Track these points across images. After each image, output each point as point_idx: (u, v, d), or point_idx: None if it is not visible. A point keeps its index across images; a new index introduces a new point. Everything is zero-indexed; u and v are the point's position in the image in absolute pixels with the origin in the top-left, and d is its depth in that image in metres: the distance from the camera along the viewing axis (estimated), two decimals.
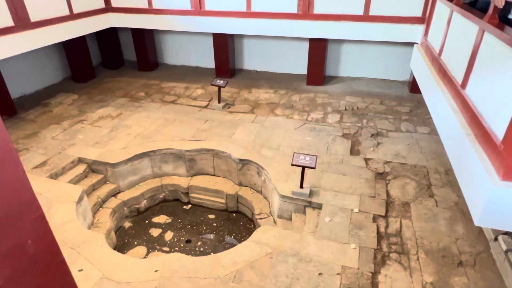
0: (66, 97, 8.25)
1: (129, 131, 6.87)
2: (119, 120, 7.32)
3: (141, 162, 6.17)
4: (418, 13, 6.58)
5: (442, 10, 4.69)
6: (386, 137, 6.65)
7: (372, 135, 6.69)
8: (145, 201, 6.20)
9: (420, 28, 6.45)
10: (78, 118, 7.37)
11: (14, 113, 7.52)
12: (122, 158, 5.92)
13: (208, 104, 8.01)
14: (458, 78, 3.39)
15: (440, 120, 3.80)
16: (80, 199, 5.04)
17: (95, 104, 8.01)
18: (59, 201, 4.94)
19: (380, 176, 5.52)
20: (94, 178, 5.94)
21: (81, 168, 5.91)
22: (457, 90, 3.34)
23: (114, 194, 6.02)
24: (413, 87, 8.02)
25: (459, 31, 3.72)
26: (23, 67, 8.32)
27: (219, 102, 7.85)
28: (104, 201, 5.83)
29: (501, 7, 2.52)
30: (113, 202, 5.87)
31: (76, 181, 5.75)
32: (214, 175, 6.46)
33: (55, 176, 5.63)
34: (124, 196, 6.00)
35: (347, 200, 4.95)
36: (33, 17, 6.47)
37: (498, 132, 2.40)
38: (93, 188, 5.86)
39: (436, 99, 3.90)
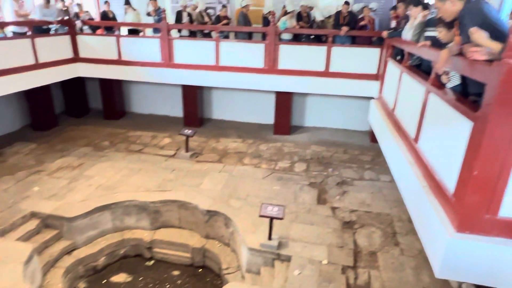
0: (23, 146, 7.84)
1: (90, 182, 6.55)
2: (80, 170, 6.99)
3: (101, 215, 5.82)
4: (374, 71, 7.20)
5: (393, 70, 5.17)
6: (351, 185, 6.83)
7: (337, 184, 6.85)
8: (103, 258, 5.75)
9: (376, 84, 7.01)
10: (35, 169, 6.96)
11: None
12: (81, 212, 5.56)
13: (175, 154, 7.92)
14: (411, 132, 3.66)
15: (397, 171, 4.00)
16: (29, 259, 4.58)
17: (55, 154, 7.65)
18: (4, 262, 4.45)
19: (347, 225, 5.58)
20: (47, 234, 5.48)
21: (33, 224, 5.45)
22: (411, 144, 3.59)
23: (69, 251, 5.55)
24: (373, 137, 8.45)
25: (409, 90, 4.09)
26: None
27: (186, 151, 7.80)
28: (57, 259, 5.34)
29: (440, 73, 2.84)
30: (67, 261, 5.39)
31: (27, 238, 5.26)
32: (180, 228, 6.19)
33: (2, 232, 5.13)
34: (80, 254, 5.54)
35: (315, 251, 4.90)
36: None
37: (450, 185, 2.56)
38: (46, 245, 5.38)
39: (393, 151, 4.15)
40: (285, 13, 7.87)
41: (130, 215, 6.05)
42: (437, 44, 3.71)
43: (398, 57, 5.48)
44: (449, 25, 2.89)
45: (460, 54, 2.72)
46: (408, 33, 4.51)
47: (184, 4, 8.42)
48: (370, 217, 5.78)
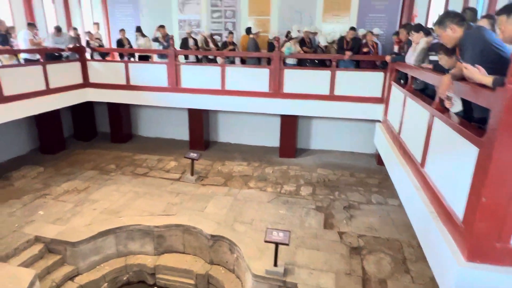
0: (31, 170, 7.92)
1: (95, 206, 6.54)
2: (85, 194, 7.01)
3: (105, 240, 5.77)
4: (378, 94, 7.23)
5: (397, 93, 5.19)
6: (358, 209, 6.71)
7: (344, 207, 6.74)
8: (106, 284, 5.65)
9: (381, 107, 7.02)
10: (41, 192, 6.99)
11: None
12: (84, 236, 5.52)
13: (180, 177, 7.92)
14: (417, 157, 3.62)
15: (405, 196, 3.93)
16: (31, 285, 4.50)
17: (61, 177, 7.70)
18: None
19: (355, 250, 5.43)
20: (50, 260, 5.43)
21: (36, 248, 5.42)
22: (417, 168, 3.54)
23: (72, 277, 5.47)
24: (380, 159, 8.37)
25: (413, 114, 4.08)
26: None
27: (192, 174, 7.80)
28: (59, 286, 5.25)
29: (443, 98, 2.84)
30: (70, 287, 5.30)
31: (30, 263, 5.22)
32: (184, 253, 6.09)
33: (5, 258, 5.10)
34: (82, 279, 5.46)
35: (322, 278, 4.75)
36: (7, 92, 6.50)
37: (458, 212, 2.49)
38: (48, 271, 5.32)
39: (399, 175, 4.09)
40: (289, 38, 8.05)
41: (134, 239, 5.98)
42: (439, 68, 3.73)
43: (402, 81, 5.52)
44: (450, 51, 2.92)
45: (463, 79, 2.73)
46: (411, 57, 4.57)
47: (189, 31, 8.68)
48: (379, 242, 5.63)
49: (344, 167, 8.71)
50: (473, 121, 2.73)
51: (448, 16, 2.72)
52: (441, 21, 2.76)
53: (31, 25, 7.62)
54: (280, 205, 6.77)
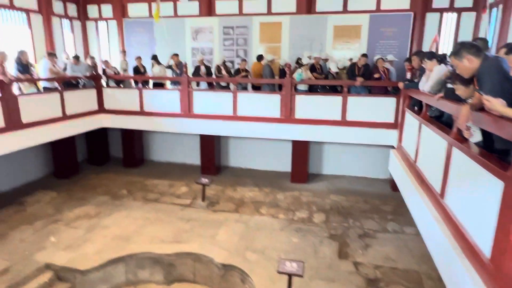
0: (44, 195, 7.99)
1: (106, 232, 6.50)
2: (97, 219, 6.99)
3: (115, 268, 5.69)
4: (391, 120, 7.16)
5: (411, 120, 5.12)
6: (373, 238, 6.49)
7: (359, 236, 6.53)
8: None
9: (394, 132, 6.94)
10: (53, 218, 7.01)
11: None
12: (94, 264, 5.46)
13: (191, 203, 7.86)
14: (436, 187, 3.50)
15: (424, 227, 3.78)
16: None
17: (74, 203, 7.73)
18: None
19: (372, 283, 5.20)
20: None
21: (46, 276, 5.35)
22: (436, 199, 3.41)
23: None
24: (394, 185, 8.20)
25: (430, 142, 3.99)
26: (3, 163, 8.16)
27: (203, 200, 7.74)
28: None
29: (462, 129, 2.77)
30: None
31: None
32: (194, 282, 5.94)
33: (15, 286, 5.05)
34: None
35: None
36: (25, 119, 6.68)
37: (485, 249, 2.36)
38: None
39: (417, 205, 3.96)
40: (300, 65, 8.15)
41: (143, 268, 5.88)
42: (451, 95, 3.68)
43: (416, 108, 5.46)
44: (467, 80, 2.88)
45: (482, 109, 2.67)
46: (425, 85, 4.53)
47: (202, 58, 8.90)
48: (397, 274, 5.39)
49: (357, 193, 8.53)
50: (494, 152, 2.64)
51: (464, 47, 2.69)
52: (457, 52, 2.74)
53: (51, 54, 7.93)
54: (293, 233, 6.60)
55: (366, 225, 6.94)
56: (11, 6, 9.05)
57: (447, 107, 3.53)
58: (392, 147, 7.04)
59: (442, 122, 4.08)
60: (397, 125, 6.84)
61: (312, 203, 7.92)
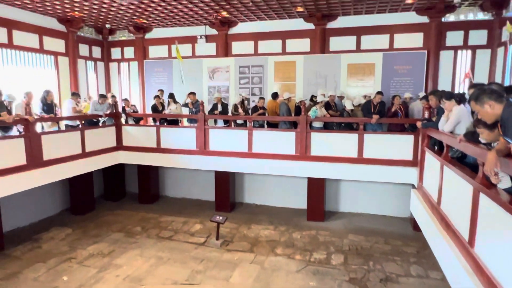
0: (60, 232, 8.01)
1: (118, 272, 6.38)
2: (110, 258, 6.90)
3: None
4: (409, 157, 7.00)
5: (432, 161, 4.98)
6: (396, 283, 6.13)
7: (381, 280, 6.18)
8: None
9: (413, 170, 6.75)
10: (67, 256, 6.96)
11: (1, 249, 7.17)
12: None
13: (205, 241, 7.70)
14: (464, 234, 3.31)
15: (452, 276, 3.52)
16: None
17: (88, 240, 7.70)
18: None
19: None
20: None
21: None
22: (465, 248, 3.21)
23: None
24: (416, 225, 7.84)
25: (454, 185, 3.83)
26: (22, 199, 8.25)
27: (217, 239, 7.58)
28: None
29: (492, 175, 2.66)
30: None
31: None
32: None
33: None
34: None
35: None
36: (47, 156, 6.86)
37: None
38: None
39: (444, 252, 3.73)
40: (314, 102, 8.21)
41: None
42: (471, 137, 3.57)
43: (436, 147, 5.33)
44: (491, 125, 2.80)
45: (509, 155, 2.56)
46: (444, 125, 4.45)
47: (219, 96, 9.11)
48: None
49: (377, 232, 8.19)
50: None
51: (485, 93, 2.65)
52: (477, 97, 2.69)
53: (75, 94, 8.28)
54: (310, 275, 6.32)
55: (387, 268, 6.59)
56: (41, 50, 9.65)
57: (470, 150, 3.42)
58: (412, 185, 6.82)
59: (465, 163, 3.95)
60: (416, 162, 6.67)
61: (329, 243, 7.63)
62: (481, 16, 8.76)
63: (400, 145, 7.05)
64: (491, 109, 2.63)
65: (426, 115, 5.86)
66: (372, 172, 7.29)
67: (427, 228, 4.62)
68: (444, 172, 4.19)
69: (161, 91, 9.97)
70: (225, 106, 9.06)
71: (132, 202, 10.34)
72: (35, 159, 6.61)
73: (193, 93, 9.24)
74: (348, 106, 7.98)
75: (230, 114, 8.86)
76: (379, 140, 7.28)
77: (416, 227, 8.02)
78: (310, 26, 9.87)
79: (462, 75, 8.98)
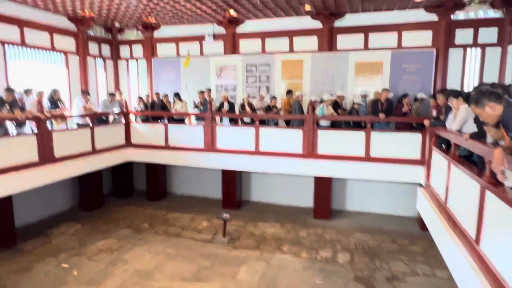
0: (70, 227, 8.17)
1: (126, 267, 6.49)
2: (118, 253, 7.01)
3: None
4: (417, 156, 6.96)
5: (439, 159, 4.96)
6: (403, 282, 6.13)
7: (387, 279, 6.19)
8: None
9: (420, 169, 6.72)
10: (76, 251, 7.10)
11: (13, 243, 7.33)
12: None
13: (212, 238, 7.78)
14: (470, 232, 3.31)
15: (458, 275, 3.53)
16: None
17: (97, 235, 7.83)
18: None
19: None
20: None
21: None
22: (471, 245, 3.21)
23: None
24: (423, 224, 7.79)
25: (461, 183, 3.82)
26: (33, 196, 8.35)
27: (224, 236, 7.65)
28: None
29: (500, 173, 2.66)
30: None
31: None
32: None
33: None
34: None
35: None
36: (58, 154, 7.00)
37: None
38: None
39: (450, 250, 3.73)
40: (321, 101, 8.22)
41: None
42: (478, 135, 3.57)
43: (443, 146, 5.31)
44: (497, 123, 2.80)
45: None
46: (452, 123, 4.43)
47: (226, 95, 9.18)
48: None
49: (384, 231, 8.17)
50: None
51: (484, 95, 2.67)
52: (477, 100, 2.72)
53: (85, 92, 8.42)
54: (316, 273, 6.34)
55: (394, 267, 6.58)
56: (52, 48, 9.82)
57: (477, 148, 3.41)
58: (419, 184, 6.79)
59: (472, 161, 3.94)
60: (423, 161, 6.64)
61: (336, 241, 7.64)
62: (491, 13, 8.64)
63: (408, 143, 7.02)
64: (492, 111, 2.65)
65: (434, 113, 5.83)
66: (379, 171, 7.26)
67: (434, 226, 4.61)
68: (451, 171, 4.18)
69: (166, 96, 9.93)
70: (232, 105, 9.11)
71: (140, 199, 10.47)
72: (47, 156, 6.74)
73: (202, 92, 9.32)
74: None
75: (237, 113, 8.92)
76: (387, 139, 7.25)
77: (423, 226, 7.97)
78: (318, 24, 9.85)
79: (471, 73, 8.88)
